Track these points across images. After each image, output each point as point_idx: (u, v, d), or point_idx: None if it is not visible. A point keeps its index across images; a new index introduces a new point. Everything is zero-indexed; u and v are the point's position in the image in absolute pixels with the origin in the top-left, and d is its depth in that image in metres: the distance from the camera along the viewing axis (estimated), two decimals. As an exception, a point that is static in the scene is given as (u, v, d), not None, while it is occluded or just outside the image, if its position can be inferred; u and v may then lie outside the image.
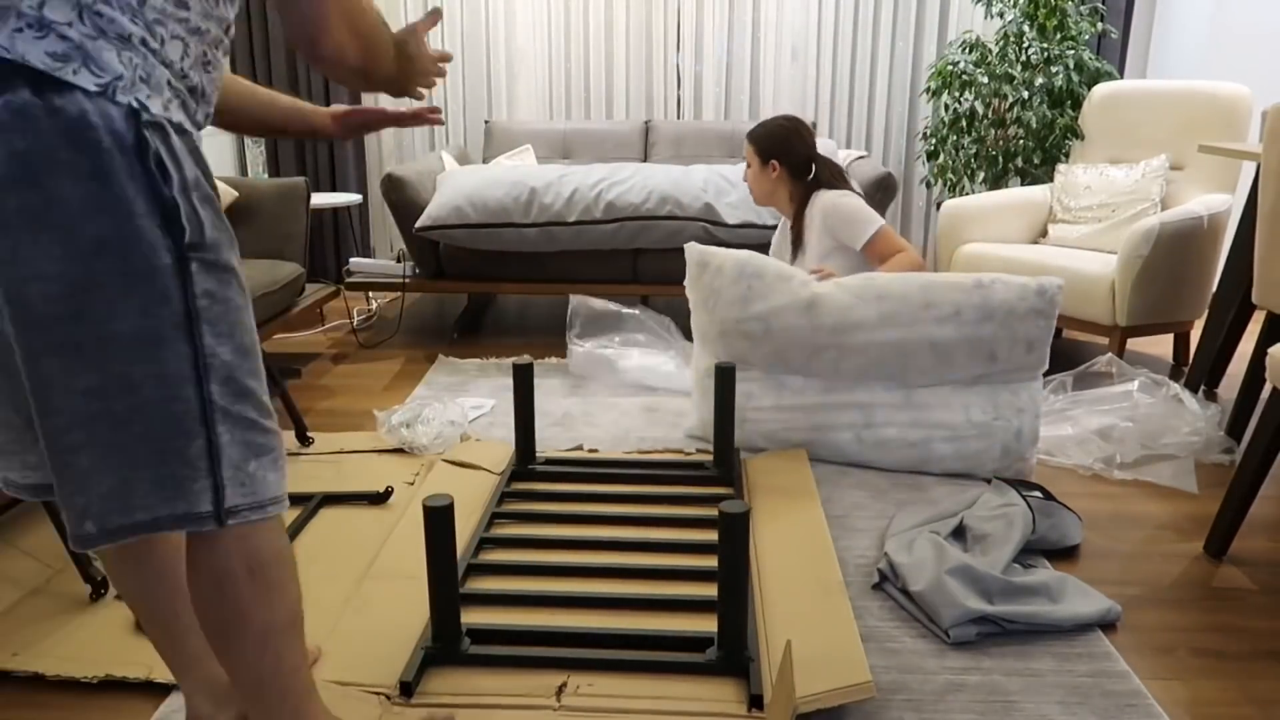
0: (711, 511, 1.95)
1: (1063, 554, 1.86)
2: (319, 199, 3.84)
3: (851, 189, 2.53)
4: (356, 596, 1.62)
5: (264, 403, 1.00)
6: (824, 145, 3.46)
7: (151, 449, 0.92)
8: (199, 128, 0.99)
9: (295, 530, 1.89)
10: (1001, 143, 3.77)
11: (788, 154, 2.49)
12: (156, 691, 1.40)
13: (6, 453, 1.03)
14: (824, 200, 2.46)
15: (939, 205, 3.79)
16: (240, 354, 0.96)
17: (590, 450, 2.36)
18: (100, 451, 0.91)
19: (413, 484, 2.14)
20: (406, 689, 1.37)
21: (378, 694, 1.36)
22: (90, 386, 0.89)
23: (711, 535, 1.84)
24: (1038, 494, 1.91)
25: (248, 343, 0.97)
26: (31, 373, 0.89)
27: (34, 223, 0.84)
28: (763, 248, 3.17)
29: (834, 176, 2.53)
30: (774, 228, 3.20)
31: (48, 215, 0.84)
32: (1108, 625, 1.59)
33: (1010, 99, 3.65)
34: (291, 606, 1.07)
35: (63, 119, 0.82)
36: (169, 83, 0.91)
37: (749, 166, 2.55)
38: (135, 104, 0.86)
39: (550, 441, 2.42)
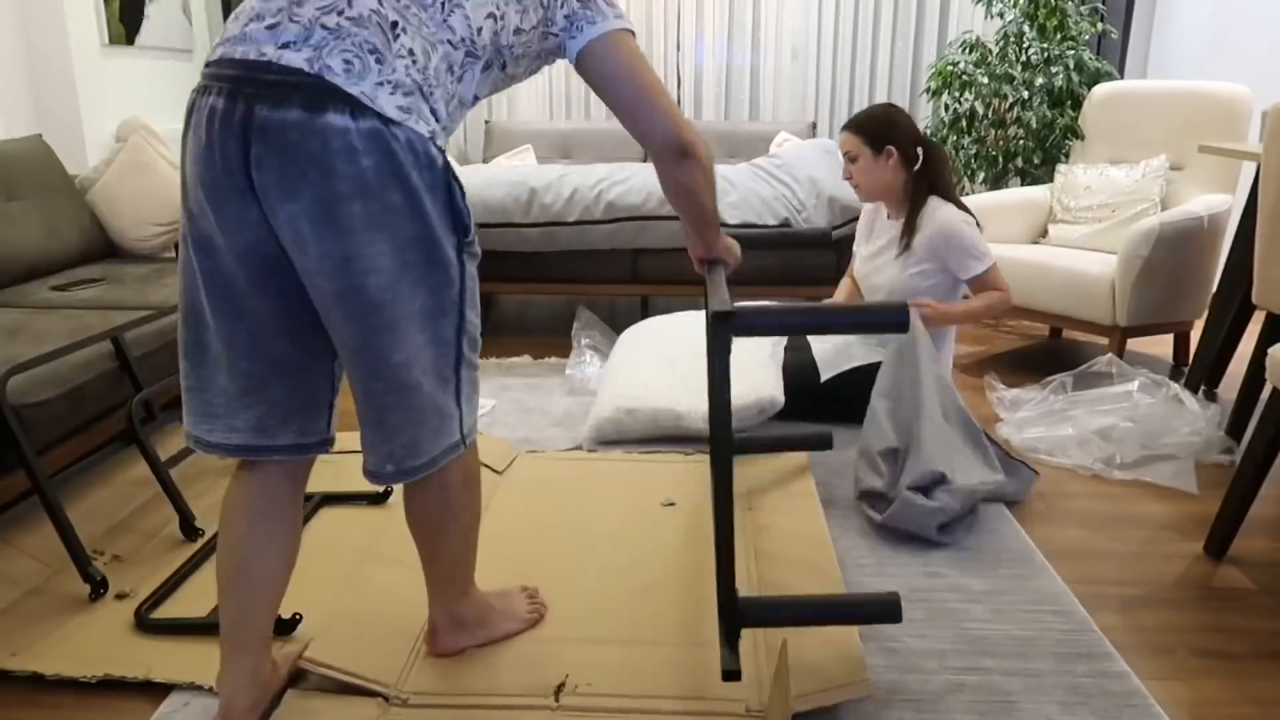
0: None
1: (1064, 554, 1.86)
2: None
3: (948, 185, 2.39)
4: (357, 577, 1.62)
5: (480, 346, 1.31)
6: (824, 145, 3.46)
7: (431, 403, 1.22)
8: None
9: (295, 530, 1.89)
10: (1002, 143, 3.77)
11: (900, 139, 2.34)
12: (156, 691, 1.40)
13: (215, 415, 1.23)
14: (942, 218, 2.30)
15: (939, 205, 3.79)
16: (475, 316, 1.27)
17: (590, 450, 2.36)
18: (404, 410, 1.20)
19: (412, 484, 2.14)
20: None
21: (376, 694, 1.36)
22: (402, 359, 1.17)
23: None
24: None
25: (478, 304, 1.28)
26: (360, 350, 1.16)
27: (373, 226, 1.10)
28: (763, 247, 3.17)
29: (942, 164, 2.38)
30: (775, 227, 3.20)
31: (384, 218, 1.10)
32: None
33: (1010, 99, 3.65)
34: (479, 509, 1.40)
35: (404, 144, 1.09)
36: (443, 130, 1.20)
37: (853, 160, 2.37)
38: (439, 145, 1.15)
39: (550, 441, 2.41)
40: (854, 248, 2.64)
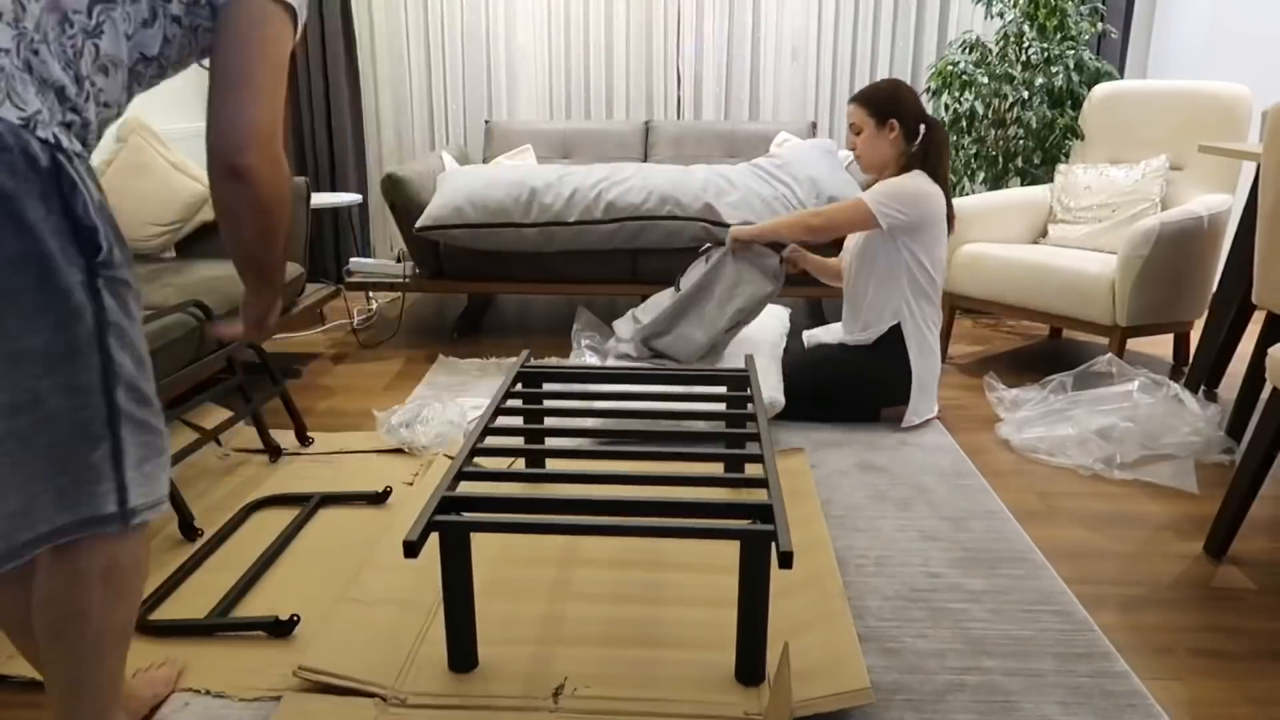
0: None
1: (1064, 554, 1.86)
2: (319, 199, 3.84)
3: (943, 164, 2.44)
4: (355, 579, 1.62)
5: (158, 407, 1.05)
6: (824, 145, 3.46)
7: (55, 460, 0.96)
8: (90, 150, 1.03)
9: (294, 530, 1.89)
10: (1001, 143, 3.77)
11: (904, 113, 2.40)
12: (155, 692, 1.40)
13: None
14: (915, 176, 2.39)
15: (939, 205, 3.79)
16: (139, 363, 1.02)
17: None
18: (11, 466, 0.94)
19: (411, 484, 2.14)
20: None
21: (374, 695, 1.36)
22: (5, 403, 0.92)
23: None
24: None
25: (144, 352, 1.03)
26: None
27: None
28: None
29: (942, 143, 2.43)
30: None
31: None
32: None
33: (1010, 99, 3.64)
34: (130, 613, 1.08)
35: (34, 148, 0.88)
36: (70, 122, 0.96)
37: (858, 133, 2.44)
38: (52, 138, 0.91)
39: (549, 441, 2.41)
40: None
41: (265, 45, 1.04)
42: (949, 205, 2.46)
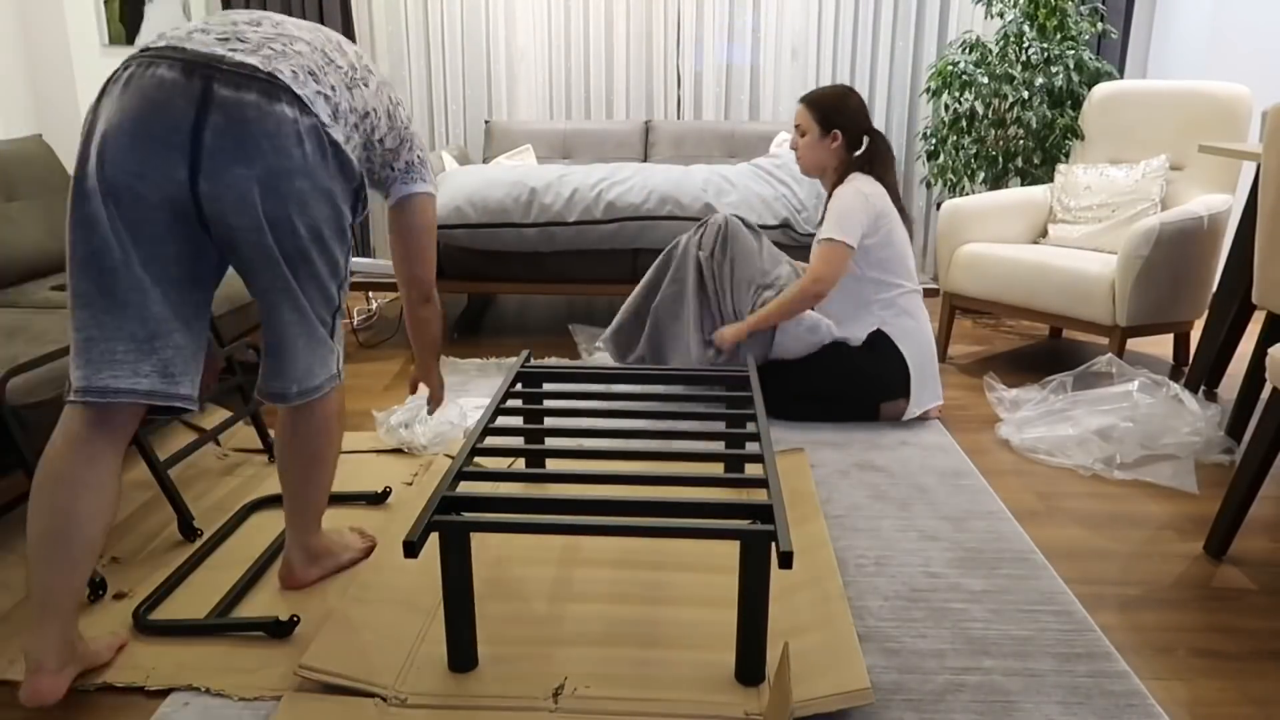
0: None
1: (1064, 554, 1.86)
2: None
3: (889, 174, 2.50)
4: (355, 579, 1.62)
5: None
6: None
7: (322, 339, 1.47)
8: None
9: (294, 530, 1.89)
10: (1001, 143, 3.77)
11: (849, 125, 2.46)
12: (154, 696, 1.40)
13: (120, 362, 1.31)
14: (852, 184, 2.44)
15: (939, 205, 3.79)
16: (349, 281, 1.53)
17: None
18: (306, 341, 1.45)
19: (411, 484, 2.14)
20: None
21: (374, 695, 1.36)
22: (310, 301, 1.43)
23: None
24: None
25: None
26: (283, 291, 1.40)
27: (308, 199, 1.35)
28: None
29: (885, 154, 2.50)
30: (775, 228, 3.21)
31: (317, 196, 1.36)
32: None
33: (1010, 99, 3.64)
34: (340, 449, 1.62)
35: (332, 144, 1.36)
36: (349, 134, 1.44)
37: (803, 135, 2.49)
38: (350, 152, 1.41)
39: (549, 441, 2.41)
40: None
41: (430, 229, 1.66)
42: (900, 209, 2.53)
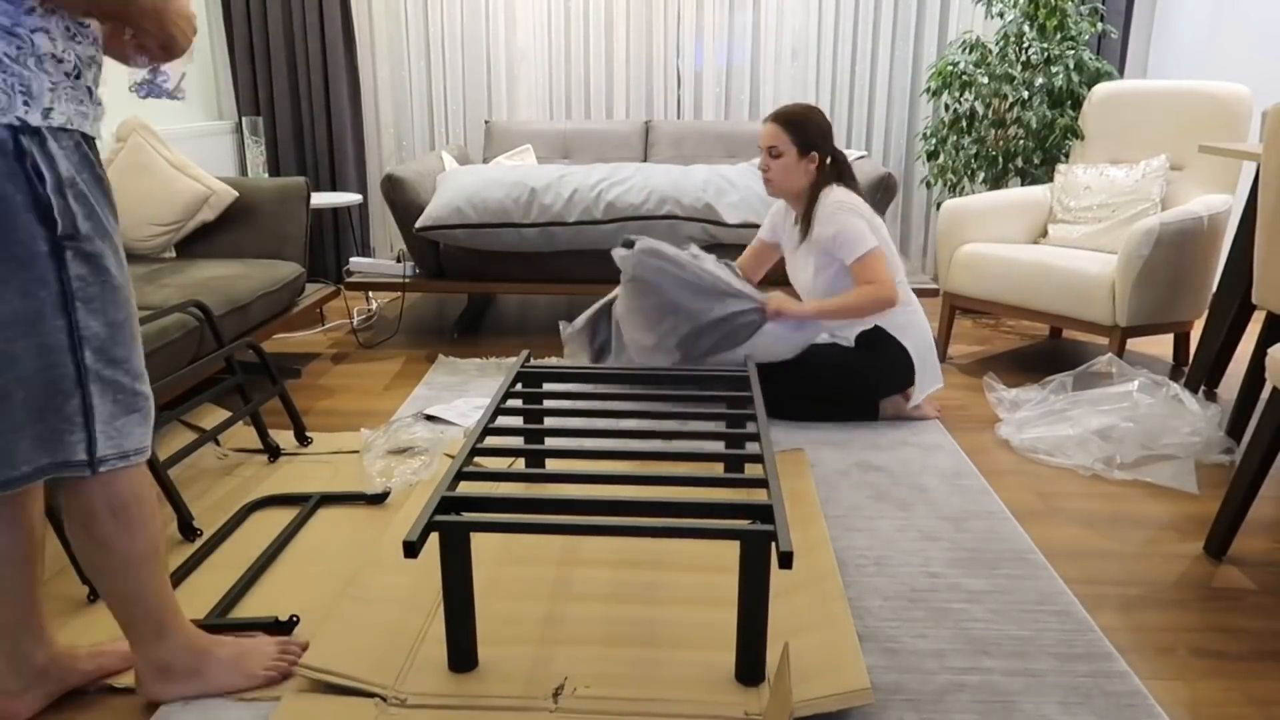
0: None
1: (1064, 554, 1.86)
2: (319, 199, 3.84)
3: (855, 186, 2.54)
4: (354, 579, 1.62)
5: (135, 367, 1.20)
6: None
7: (32, 411, 1.11)
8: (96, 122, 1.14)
9: (293, 530, 1.89)
10: (1001, 143, 3.77)
11: (822, 144, 2.48)
12: (154, 692, 1.40)
13: None
14: (832, 199, 2.46)
15: (939, 205, 3.79)
16: (112, 327, 1.15)
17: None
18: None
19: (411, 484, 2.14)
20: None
21: (373, 695, 1.36)
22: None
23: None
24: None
25: (120, 318, 1.16)
26: None
27: None
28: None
29: (847, 169, 2.54)
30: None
31: None
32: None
33: (1010, 99, 3.64)
34: (150, 539, 1.27)
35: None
36: (50, 89, 1.06)
37: (778, 156, 2.48)
38: (16, 121, 1.02)
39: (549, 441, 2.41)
40: (759, 235, 2.79)
41: None
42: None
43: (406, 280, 3.40)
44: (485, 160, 4.12)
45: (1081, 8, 3.72)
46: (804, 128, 2.46)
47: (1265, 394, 1.83)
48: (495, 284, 3.38)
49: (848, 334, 2.54)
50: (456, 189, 3.23)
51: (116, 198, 2.84)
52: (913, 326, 2.53)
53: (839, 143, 4.32)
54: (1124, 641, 1.55)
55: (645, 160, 4.15)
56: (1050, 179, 3.50)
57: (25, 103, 1.03)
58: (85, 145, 1.11)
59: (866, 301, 2.43)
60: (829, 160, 2.51)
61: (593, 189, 3.20)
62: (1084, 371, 2.60)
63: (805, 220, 2.53)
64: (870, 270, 2.43)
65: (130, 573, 1.26)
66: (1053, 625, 1.58)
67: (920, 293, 3.96)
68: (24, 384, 1.09)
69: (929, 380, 2.56)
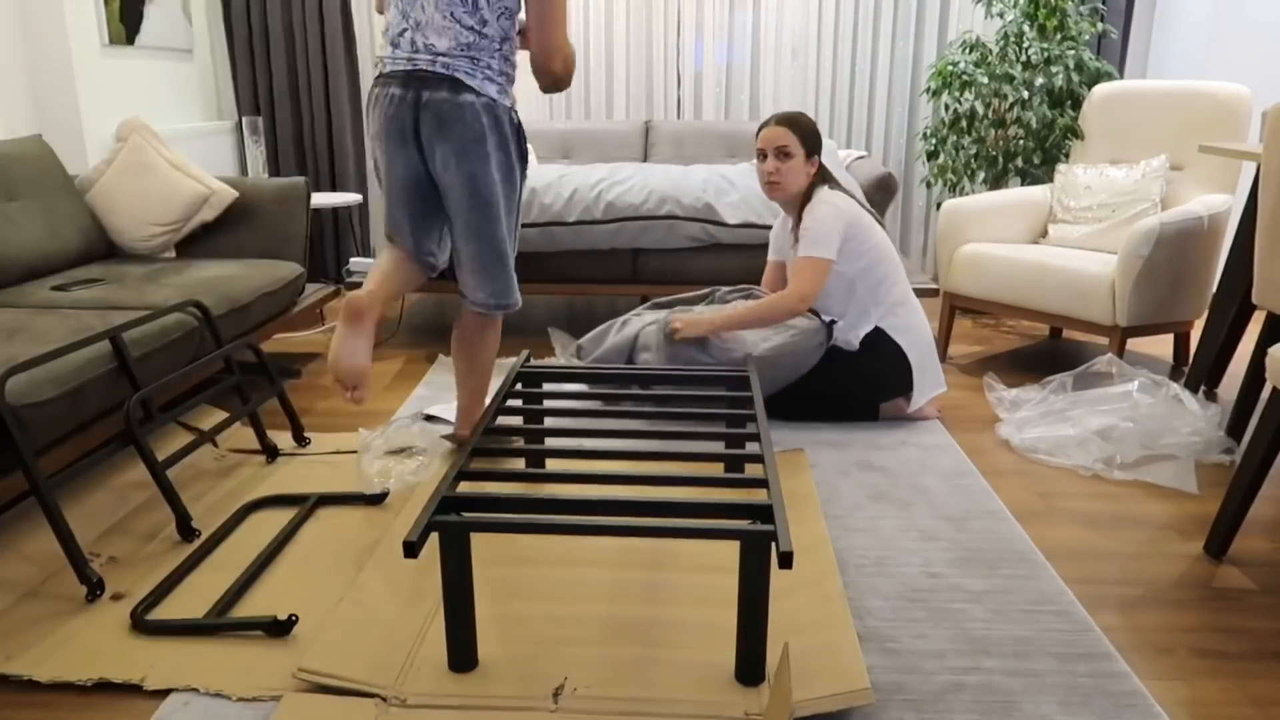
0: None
1: (1064, 554, 1.85)
2: (319, 199, 3.84)
3: (843, 189, 2.57)
4: (354, 580, 1.62)
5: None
6: (824, 145, 3.46)
7: (509, 265, 2.08)
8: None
9: (292, 530, 1.89)
10: (1001, 143, 3.77)
11: (820, 150, 2.54)
12: (153, 696, 1.40)
13: (428, 238, 2.08)
14: (823, 199, 2.48)
15: (939, 205, 3.79)
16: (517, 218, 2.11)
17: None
18: (500, 267, 2.06)
19: (410, 484, 2.14)
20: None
21: (374, 696, 1.36)
22: (500, 235, 2.02)
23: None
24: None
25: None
26: (478, 230, 2.00)
27: (487, 158, 1.94)
28: (763, 247, 3.18)
29: (827, 170, 2.58)
30: (771, 228, 3.20)
31: (492, 154, 1.94)
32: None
33: (1010, 99, 3.64)
34: (496, 346, 2.22)
35: (500, 112, 1.94)
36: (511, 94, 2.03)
37: (788, 158, 2.49)
38: (514, 112, 2.01)
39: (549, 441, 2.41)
40: (769, 256, 2.83)
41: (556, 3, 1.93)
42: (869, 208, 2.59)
43: (406, 280, 3.38)
44: (485, 160, 4.11)
45: (1081, 8, 3.72)
46: (808, 131, 2.51)
47: (1265, 394, 1.83)
48: (495, 284, 3.37)
49: (852, 339, 2.53)
50: (456, 189, 3.22)
51: (117, 198, 2.85)
52: (913, 330, 2.53)
53: (839, 142, 4.35)
54: (1124, 641, 1.55)
55: (645, 160, 4.15)
56: (1050, 179, 3.50)
57: (513, 103, 2.02)
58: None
59: (772, 311, 2.46)
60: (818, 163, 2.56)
61: (593, 189, 3.20)
62: (1084, 371, 2.60)
63: (798, 222, 2.53)
64: (805, 273, 2.43)
65: (492, 363, 2.23)
66: (1053, 625, 1.58)
67: (920, 293, 3.97)
68: (508, 247, 2.06)
69: (929, 384, 2.56)
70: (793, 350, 2.46)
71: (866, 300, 2.53)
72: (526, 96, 4.40)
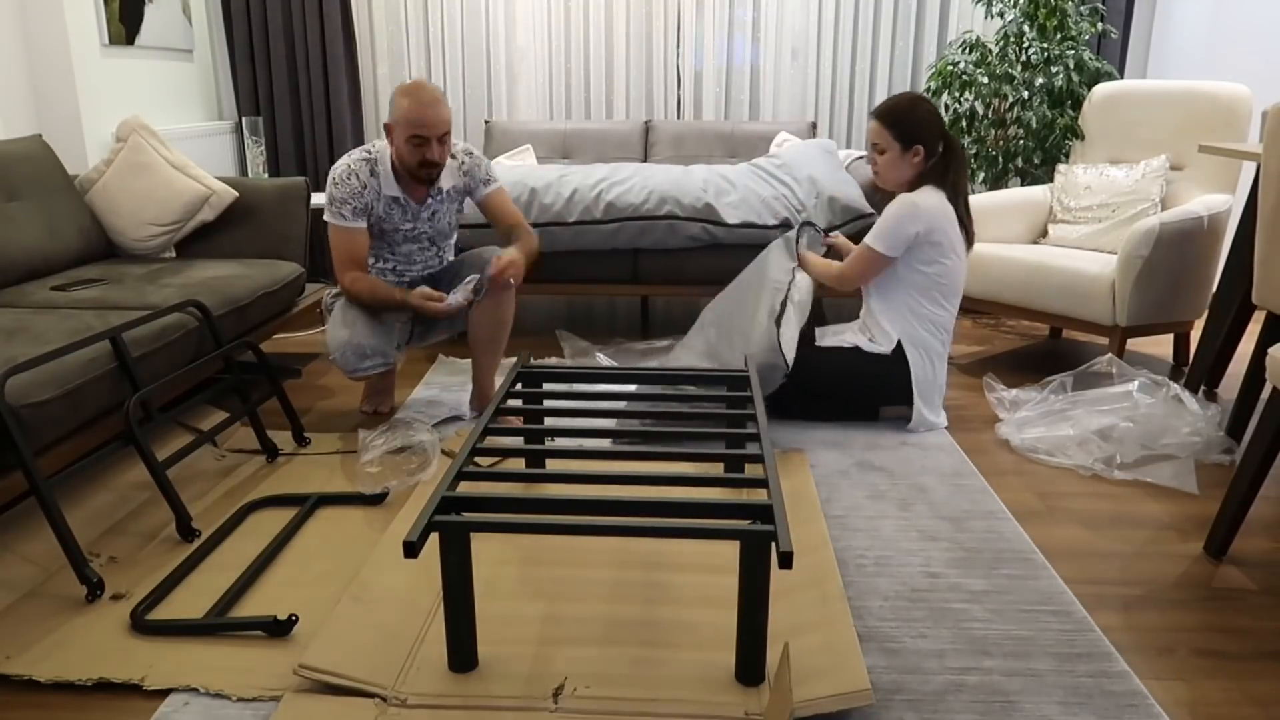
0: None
1: (1064, 554, 1.85)
2: (319, 199, 3.84)
3: (964, 183, 2.46)
4: (354, 580, 1.62)
5: None
6: (824, 145, 3.46)
7: None
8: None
9: (292, 530, 1.89)
10: (1001, 143, 3.77)
11: (926, 136, 2.40)
12: (153, 696, 1.40)
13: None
14: (911, 196, 2.39)
15: (939, 205, 3.78)
16: None
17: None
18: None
19: (410, 485, 2.14)
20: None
21: (374, 695, 1.36)
22: None
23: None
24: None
25: None
26: None
27: None
28: (762, 247, 3.17)
29: (959, 159, 2.44)
30: (774, 227, 3.20)
31: None
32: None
33: (1010, 99, 3.64)
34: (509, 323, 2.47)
35: None
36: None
37: (882, 152, 2.43)
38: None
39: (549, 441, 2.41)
40: None
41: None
42: (968, 220, 2.47)
43: (406, 280, 3.39)
44: (485, 160, 4.11)
45: (1081, 8, 3.72)
46: (904, 121, 2.40)
47: (1265, 394, 1.83)
48: (495, 284, 3.37)
49: (878, 348, 2.51)
50: (456, 189, 3.22)
51: (117, 198, 2.86)
52: (928, 352, 2.48)
53: (839, 143, 4.35)
54: (1124, 641, 1.55)
55: (645, 160, 4.15)
56: (1050, 179, 3.50)
57: None
58: None
59: (817, 273, 2.57)
60: (941, 149, 2.42)
61: (593, 189, 3.20)
62: (1084, 371, 2.60)
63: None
64: (858, 259, 2.46)
65: (505, 335, 2.47)
66: (1053, 625, 1.58)
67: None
68: None
69: (926, 416, 2.50)
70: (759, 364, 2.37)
71: (908, 306, 2.46)
72: (527, 95, 4.40)
